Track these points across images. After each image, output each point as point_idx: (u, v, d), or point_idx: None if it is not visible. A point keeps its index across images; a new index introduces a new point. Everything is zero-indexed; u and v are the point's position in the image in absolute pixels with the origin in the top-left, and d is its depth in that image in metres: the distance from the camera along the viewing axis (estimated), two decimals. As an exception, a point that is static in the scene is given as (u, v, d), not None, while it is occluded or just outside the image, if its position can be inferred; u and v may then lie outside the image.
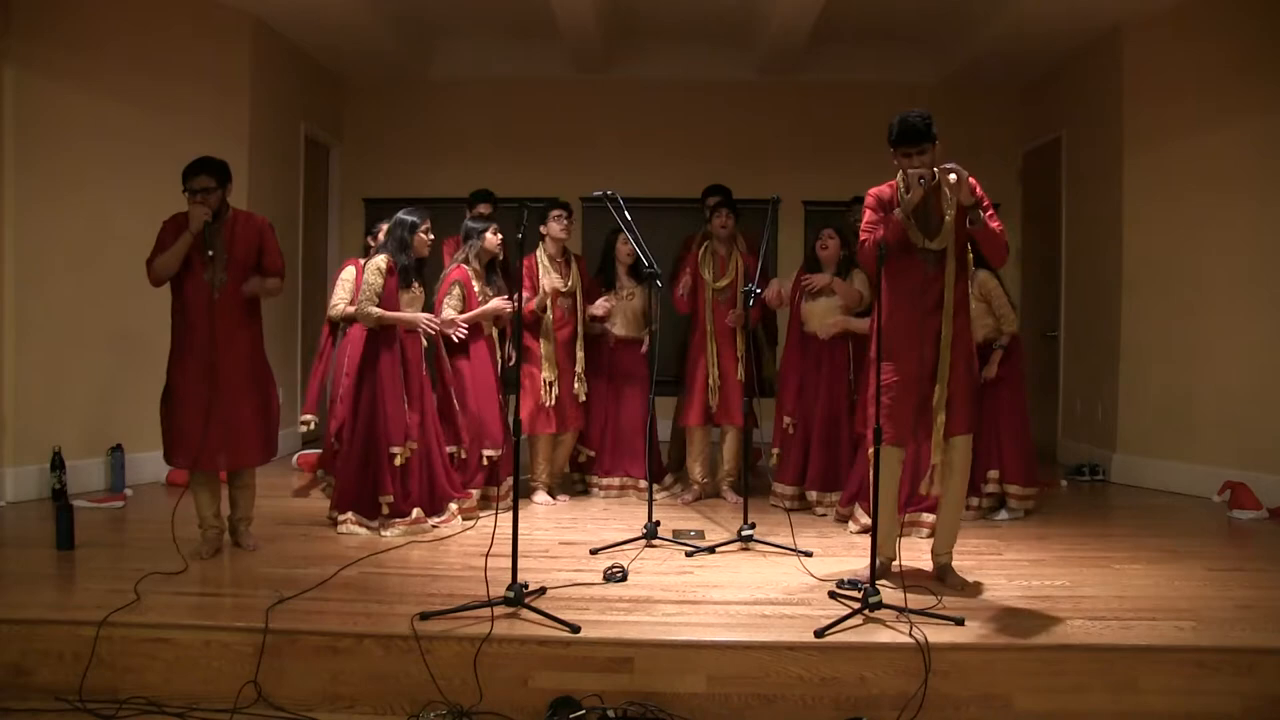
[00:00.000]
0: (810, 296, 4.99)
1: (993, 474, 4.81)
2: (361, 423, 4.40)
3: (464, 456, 4.82)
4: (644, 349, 5.33)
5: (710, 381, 5.18)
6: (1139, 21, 5.90)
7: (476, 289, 4.89)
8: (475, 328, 4.85)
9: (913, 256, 3.48)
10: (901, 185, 3.52)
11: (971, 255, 3.64)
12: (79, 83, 5.29)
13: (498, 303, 4.85)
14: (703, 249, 5.27)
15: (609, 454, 5.41)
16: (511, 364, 5.04)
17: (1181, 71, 5.71)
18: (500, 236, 4.98)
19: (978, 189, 3.42)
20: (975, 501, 4.82)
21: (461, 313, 4.79)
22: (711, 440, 5.45)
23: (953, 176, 3.32)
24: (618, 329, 5.35)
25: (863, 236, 3.56)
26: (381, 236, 5.29)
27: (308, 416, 5.46)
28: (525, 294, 5.06)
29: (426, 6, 6.81)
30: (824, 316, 4.94)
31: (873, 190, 3.61)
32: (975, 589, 3.58)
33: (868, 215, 3.57)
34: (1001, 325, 4.82)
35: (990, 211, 3.46)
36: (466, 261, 4.93)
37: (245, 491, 4.14)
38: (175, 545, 3.82)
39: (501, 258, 5.12)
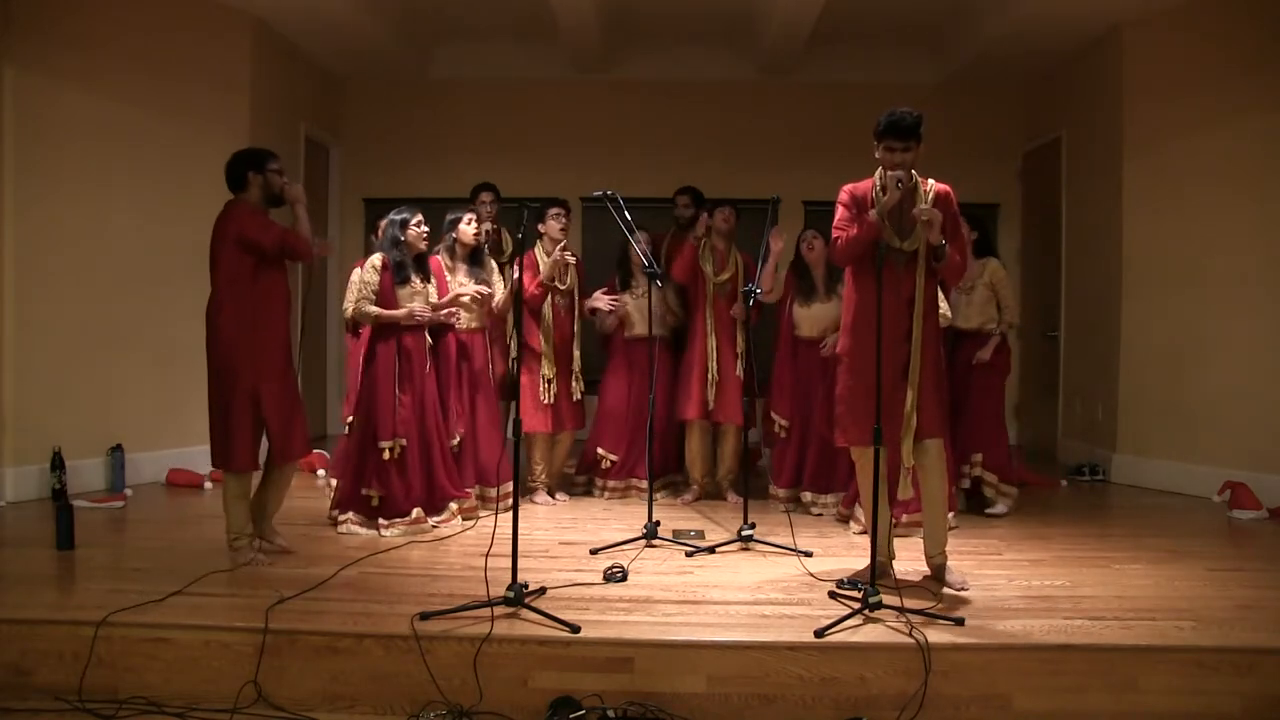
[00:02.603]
0: (802, 301, 5.00)
1: (976, 457, 4.87)
2: (359, 420, 4.40)
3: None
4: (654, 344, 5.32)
5: (709, 375, 5.17)
6: (1139, 21, 5.90)
7: (451, 279, 4.83)
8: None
9: (883, 255, 3.48)
10: (878, 184, 3.52)
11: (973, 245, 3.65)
12: (79, 82, 5.29)
13: (484, 289, 4.78)
14: (702, 244, 5.27)
15: (642, 455, 5.20)
16: (514, 358, 5.05)
17: (1181, 71, 5.72)
18: (475, 227, 4.91)
19: (954, 203, 3.47)
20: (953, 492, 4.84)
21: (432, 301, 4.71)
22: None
23: (925, 217, 3.36)
24: (636, 329, 5.32)
25: (835, 234, 3.55)
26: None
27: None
28: (526, 277, 5.03)
29: (426, 6, 6.81)
30: (817, 322, 4.95)
31: (847, 186, 3.60)
32: (975, 589, 3.57)
33: (840, 213, 3.56)
34: (1004, 315, 4.90)
35: (958, 231, 3.52)
36: (445, 249, 4.90)
37: (284, 486, 4.06)
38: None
39: (486, 242, 5.11)
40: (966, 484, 4.95)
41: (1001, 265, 4.92)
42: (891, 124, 3.41)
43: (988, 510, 4.88)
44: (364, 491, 4.37)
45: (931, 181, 3.53)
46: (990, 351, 4.88)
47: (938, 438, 3.54)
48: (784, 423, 5.08)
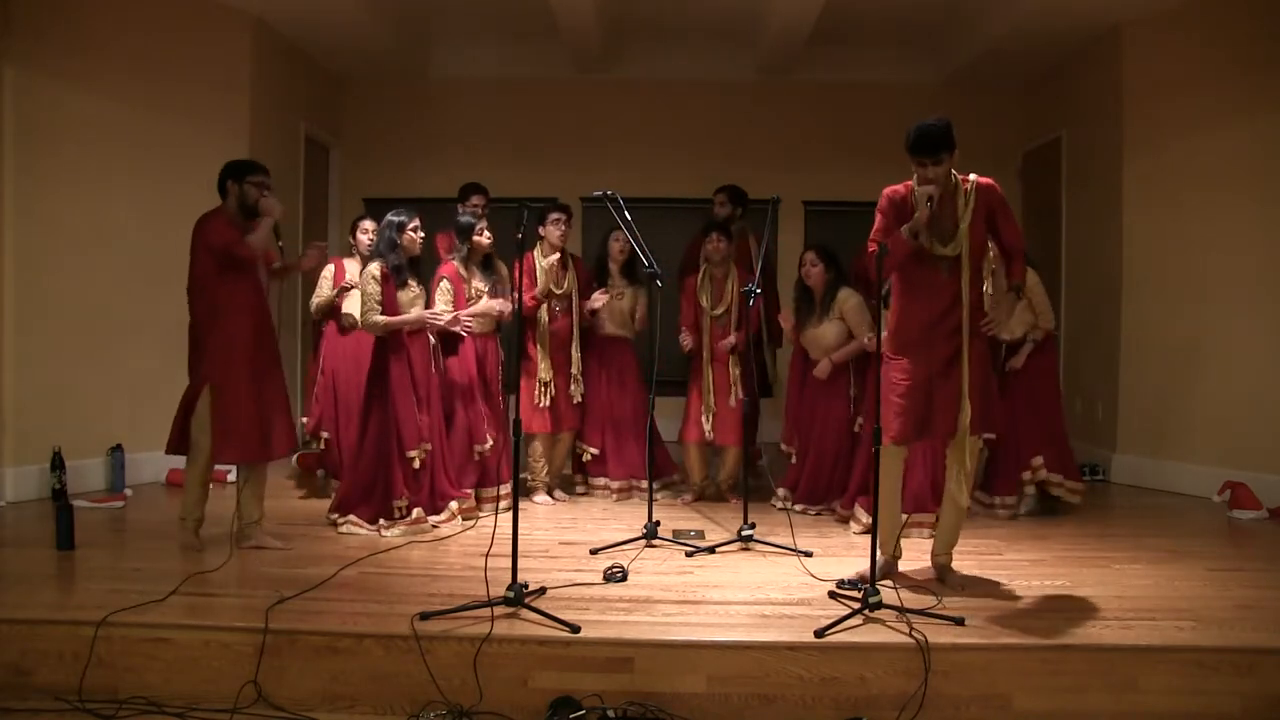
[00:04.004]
0: (800, 325, 5.01)
1: (1037, 461, 4.83)
2: (374, 428, 4.39)
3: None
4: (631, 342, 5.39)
5: (705, 405, 5.18)
6: (1139, 21, 5.90)
7: (467, 286, 4.85)
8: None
9: (926, 259, 3.46)
10: (916, 195, 3.49)
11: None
12: (79, 83, 5.28)
13: (497, 303, 4.83)
14: (701, 275, 5.26)
15: (611, 453, 5.37)
16: (502, 361, 5.06)
17: (1182, 71, 5.72)
18: (488, 235, 4.91)
19: (999, 192, 3.48)
20: (1012, 500, 4.89)
21: (452, 308, 4.76)
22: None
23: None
24: (606, 327, 5.35)
25: (871, 246, 3.50)
26: (359, 235, 5.29)
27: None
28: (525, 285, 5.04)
29: (426, 6, 6.81)
30: (817, 345, 4.96)
31: (887, 190, 3.56)
32: (975, 589, 3.57)
33: (878, 220, 3.53)
34: (1039, 321, 4.89)
35: (1010, 220, 3.55)
36: (460, 259, 4.89)
37: (260, 488, 4.14)
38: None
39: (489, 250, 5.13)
40: (1031, 489, 4.91)
41: (1033, 271, 4.81)
42: (918, 139, 3.34)
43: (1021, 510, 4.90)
44: (396, 503, 4.36)
45: (973, 177, 3.48)
46: (1023, 359, 4.89)
47: (977, 435, 3.54)
48: (791, 449, 5.16)
